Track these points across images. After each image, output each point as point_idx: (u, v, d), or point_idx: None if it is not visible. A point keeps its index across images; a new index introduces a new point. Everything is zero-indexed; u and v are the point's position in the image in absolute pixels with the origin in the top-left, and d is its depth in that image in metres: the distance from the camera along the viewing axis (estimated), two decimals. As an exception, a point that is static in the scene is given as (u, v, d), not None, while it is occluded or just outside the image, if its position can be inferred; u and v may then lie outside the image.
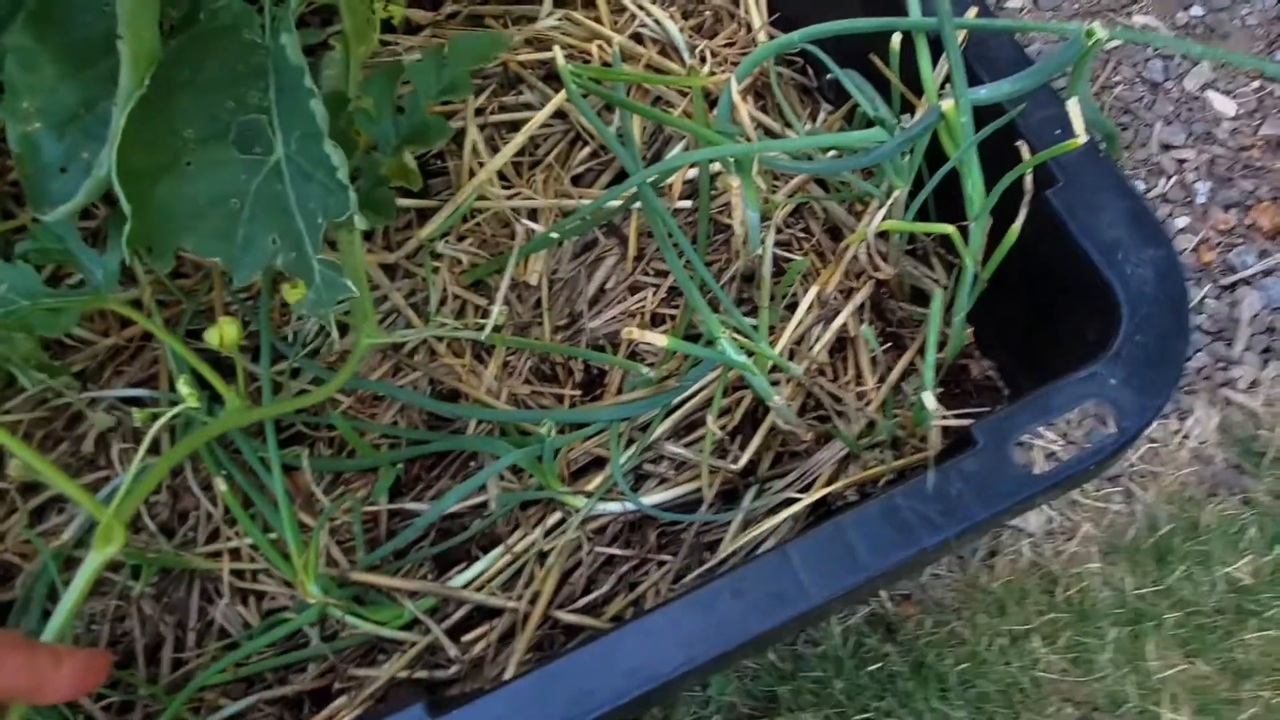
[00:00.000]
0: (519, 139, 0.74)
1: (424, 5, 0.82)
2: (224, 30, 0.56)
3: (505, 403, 0.67)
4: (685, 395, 0.64)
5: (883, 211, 0.58)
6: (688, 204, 0.72)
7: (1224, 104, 1.17)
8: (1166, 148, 1.15)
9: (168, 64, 0.53)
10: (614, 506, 0.62)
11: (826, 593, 0.45)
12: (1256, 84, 1.17)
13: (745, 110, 0.70)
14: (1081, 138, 0.47)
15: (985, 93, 0.50)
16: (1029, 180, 0.53)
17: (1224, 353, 1.03)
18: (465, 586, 0.61)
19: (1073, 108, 0.49)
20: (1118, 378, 0.48)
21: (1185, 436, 0.99)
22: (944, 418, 0.63)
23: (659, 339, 0.52)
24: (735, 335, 0.60)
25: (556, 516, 0.62)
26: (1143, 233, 0.51)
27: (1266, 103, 1.16)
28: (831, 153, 0.69)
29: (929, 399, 0.46)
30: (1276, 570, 0.92)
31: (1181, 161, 1.14)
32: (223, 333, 0.51)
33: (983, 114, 0.54)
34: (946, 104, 0.50)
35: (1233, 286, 1.07)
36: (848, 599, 0.46)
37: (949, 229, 0.55)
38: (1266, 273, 1.06)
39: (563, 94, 0.74)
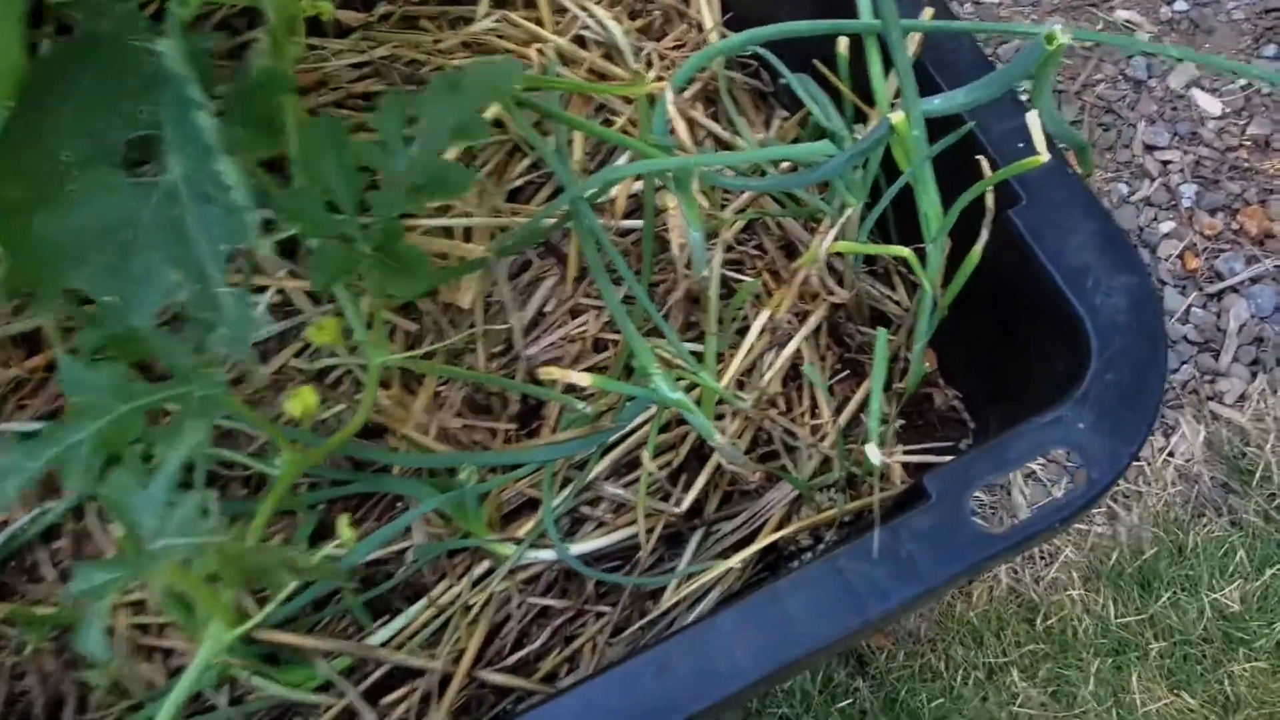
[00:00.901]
0: (451, 150, 0.69)
1: (355, 6, 0.77)
2: (106, 38, 0.51)
3: (435, 437, 0.62)
4: (624, 433, 0.59)
5: (834, 231, 0.53)
6: (635, 223, 0.67)
7: (1209, 103, 1.12)
8: (1150, 149, 1.10)
9: (39, 79, 0.48)
10: (547, 554, 0.57)
11: (761, 669, 0.40)
12: (1243, 81, 1.13)
13: (694, 118, 0.65)
14: (1043, 155, 0.42)
15: (938, 103, 0.46)
16: (990, 199, 0.48)
17: (1211, 365, 0.98)
18: (386, 643, 0.56)
19: (1033, 122, 0.44)
20: (1086, 421, 0.43)
21: (1171, 454, 0.95)
22: (904, 453, 0.58)
23: (583, 378, 0.47)
24: (678, 365, 0.56)
25: (485, 565, 0.57)
26: (1114, 257, 0.46)
27: (1254, 101, 1.12)
28: (785, 164, 0.64)
29: (873, 452, 0.41)
30: (1265, 596, 0.87)
31: (1166, 163, 1.09)
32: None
33: (940, 125, 0.49)
34: (896, 116, 0.45)
35: (1219, 295, 1.02)
36: (789, 672, 0.41)
37: (905, 252, 0.50)
38: (1254, 280, 1.02)
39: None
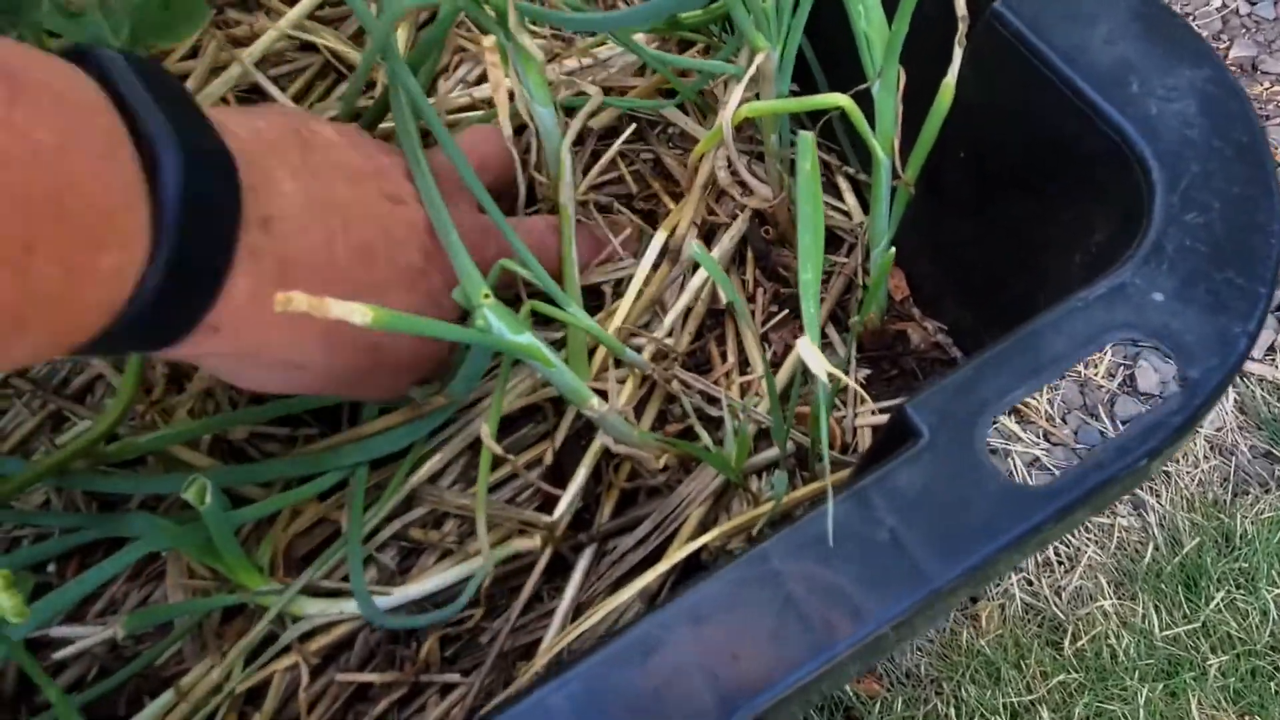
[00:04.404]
0: (254, 49, 0.52)
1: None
2: None
3: (209, 451, 0.44)
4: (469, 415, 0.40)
5: (739, 90, 0.36)
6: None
7: (1184, 28, 0.99)
8: (1124, 82, 0.96)
9: None
10: (357, 605, 0.38)
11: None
12: (1218, 2, 1.00)
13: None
14: None
15: None
16: (963, -5, 0.31)
17: (1227, 316, 0.83)
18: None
19: None
20: (1166, 289, 0.26)
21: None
22: (873, 412, 0.40)
23: (352, 310, 0.29)
24: (540, 306, 0.38)
25: (266, 629, 0.38)
26: (1167, 45, 0.29)
27: (1232, 23, 0.99)
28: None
29: (808, 351, 0.22)
30: (1343, 586, 0.70)
31: (1144, 96, 0.95)
32: None
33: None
34: None
35: (1225, 236, 0.87)
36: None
37: (840, 100, 0.33)
38: (1265, 215, 0.87)
39: (301, 8, 0.52)
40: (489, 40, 0.35)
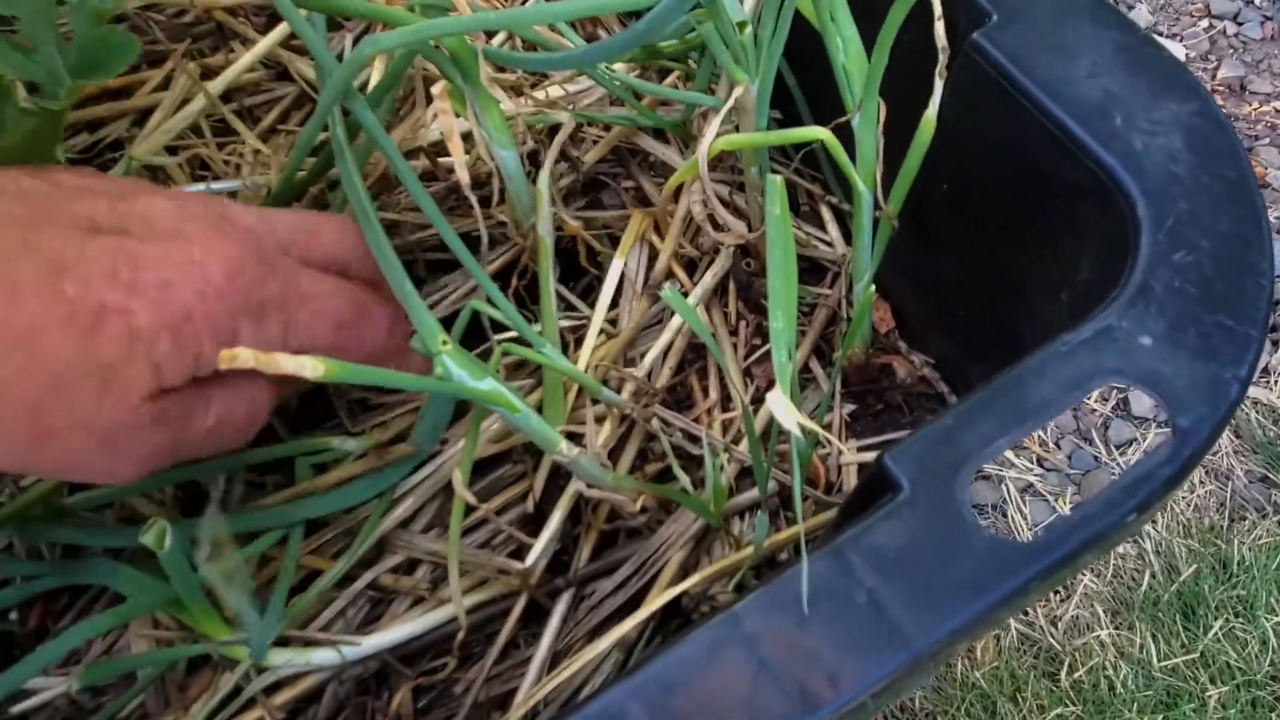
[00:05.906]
0: (221, 80, 0.51)
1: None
2: None
3: (172, 500, 0.42)
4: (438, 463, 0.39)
5: (716, 123, 0.35)
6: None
7: (1172, 49, 0.99)
8: (1113, 103, 0.96)
9: None
10: (326, 656, 0.36)
11: None
12: (1205, 23, 1.00)
13: None
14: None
15: None
16: (941, 28, 0.30)
17: (1220, 338, 0.82)
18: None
19: None
20: (1155, 332, 0.25)
21: (1192, 447, 0.78)
22: (859, 450, 0.39)
23: (299, 364, 0.27)
24: (514, 346, 0.37)
25: (232, 682, 0.37)
26: (1152, 78, 0.29)
27: (1219, 43, 0.99)
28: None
29: (778, 404, 0.21)
30: (1343, 614, 0.69)
31: (1133, 117, 0.95)
32: None
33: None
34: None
35: (1217, 257, 0.87)
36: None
37: (820, 133, 0.32)
38: (1256, 235, 0.87)
39: (272, 37, 0.52)
40: (438, 87, 0.34)
